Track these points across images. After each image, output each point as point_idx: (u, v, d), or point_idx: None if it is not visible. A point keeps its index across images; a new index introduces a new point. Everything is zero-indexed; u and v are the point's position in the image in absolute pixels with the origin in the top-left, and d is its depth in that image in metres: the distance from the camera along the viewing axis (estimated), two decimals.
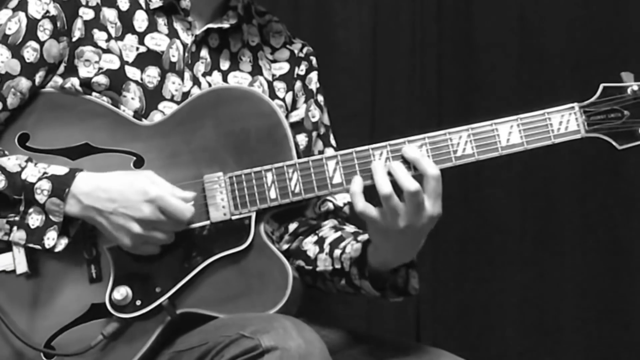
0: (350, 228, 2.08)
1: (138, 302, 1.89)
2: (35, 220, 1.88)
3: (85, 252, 1.92)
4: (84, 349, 1.88)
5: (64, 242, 1.88)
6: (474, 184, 2.84)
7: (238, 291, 1.87)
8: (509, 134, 1.83)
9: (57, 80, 1.98)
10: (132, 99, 1.98)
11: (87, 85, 1.97)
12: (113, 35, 2.00)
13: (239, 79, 2.09)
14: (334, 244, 2.02)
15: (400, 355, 1.95)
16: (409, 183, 1.78)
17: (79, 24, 1.98)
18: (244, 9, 2.12)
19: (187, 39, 2.05)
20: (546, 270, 2.90)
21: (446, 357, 1.96)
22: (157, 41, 2.02)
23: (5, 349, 1.91)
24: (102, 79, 1.97)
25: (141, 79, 1.99)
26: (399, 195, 1.79)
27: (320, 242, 2.05)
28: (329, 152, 2.15)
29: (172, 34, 2.04)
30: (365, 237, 1.95)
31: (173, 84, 2.02)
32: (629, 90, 1.82)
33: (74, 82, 1.97)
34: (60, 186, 1.87)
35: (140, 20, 2.03)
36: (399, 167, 1.81)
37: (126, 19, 2.02)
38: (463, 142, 1.84)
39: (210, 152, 1.92)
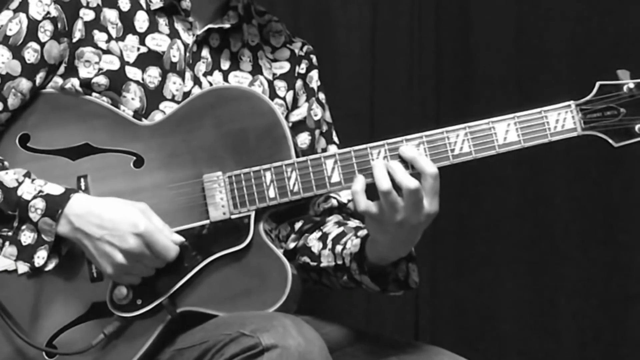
0: (352, 223, 2.09)
1: (138, 301, 1.89)
2: (27, 237, 1.87)
3: None
4: (86, 348, 1.88)
5: (54, 261, 1.88)
6: (472, 182, 2.84)
7: (238, 290, 1.88)
8: (506, 132, 1.83)
9: (58, 80, 1.98)
10: (132, 99, 1.98)
11: (87, 85, 1.97)
12: (114, 35, 2.01)
13: (240, 79, 2.09)
14: (336, 240, 2.03)
15: (399, 353, 1.95)
16: (408, 181, 1.78)
17: (79, 25, 1.99)
18: (244, 9, 2.13)
19: (188, 39, 2.05)
20: (545, 269, 2.90)
21: (444, 355, 1.96)
22: (158, 41, 2.03)
23: (7, 348, 1.91)
24: (102, 80, 1.97)
25: (142, 79, 2.00)
26: (397, 192, 1.80)
27: (323, 238, 2.06)
28: (332, 149, 2.16)
29: (174, 34, 2.05)
30: (364, 232, 1.96)
31: (174, 84, 2.02)
32: (625, 88, 1.82)
33: (74, 82, 1.97)
34: (54, 206, 1.86)
35: (141, 20, 2.03)
36: (397, 166, 1.81)
37: (127, 19, 2.02)
38: (460, 141, 1.84)
39: (210, 151, 1.92)
